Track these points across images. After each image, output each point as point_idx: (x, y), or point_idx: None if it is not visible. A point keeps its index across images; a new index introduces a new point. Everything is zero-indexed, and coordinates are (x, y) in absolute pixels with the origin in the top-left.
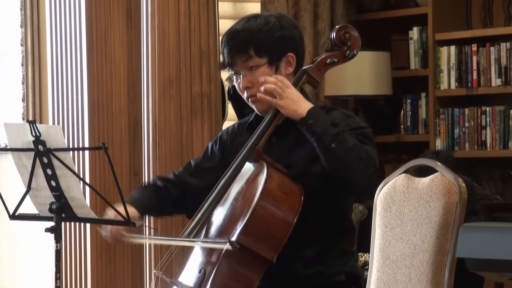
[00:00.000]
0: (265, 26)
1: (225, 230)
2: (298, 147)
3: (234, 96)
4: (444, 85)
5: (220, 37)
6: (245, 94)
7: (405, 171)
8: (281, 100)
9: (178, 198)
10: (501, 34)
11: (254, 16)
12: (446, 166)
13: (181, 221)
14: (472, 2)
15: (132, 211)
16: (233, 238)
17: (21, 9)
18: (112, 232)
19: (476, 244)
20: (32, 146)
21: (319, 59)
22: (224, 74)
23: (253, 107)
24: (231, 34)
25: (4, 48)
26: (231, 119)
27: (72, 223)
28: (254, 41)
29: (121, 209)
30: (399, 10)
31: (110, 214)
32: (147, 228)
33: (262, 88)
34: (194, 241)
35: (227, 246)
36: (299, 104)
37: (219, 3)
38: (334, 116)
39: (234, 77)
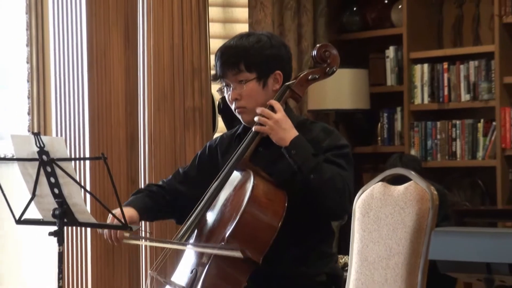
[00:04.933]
0: (256, 44)
1: (214, 234)
2: (283, 157)
3: (224, 110)
4: (418, 100)
5: (211, 55)
6: (233, 105)
7: (382, 180)
8: (269, 128)
9: (171, 203)
10: (470, 53)
11: (247, 34)
12: (411, 168)
13: (174, 226)
14: (444, 23)
15: (133, 213)
16: (223, 242)
17: (26, 29)
18: (114, 235)
19: (447, 247)
20: (36, 156)
21: (301, 75)
22: (215, 86)
23: (240, 118)
24: (225, 49)
25: (11, 66)
26: (220, 131)
27: (74, 227)
28: (245, 57)
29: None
30: (376, 30)
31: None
32: (143, 232)
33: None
34: (207, 247)
35: (238, 254)
36: (287, 132)
37: (210, 23)
38: (315, 135)
39: (225, 88)
